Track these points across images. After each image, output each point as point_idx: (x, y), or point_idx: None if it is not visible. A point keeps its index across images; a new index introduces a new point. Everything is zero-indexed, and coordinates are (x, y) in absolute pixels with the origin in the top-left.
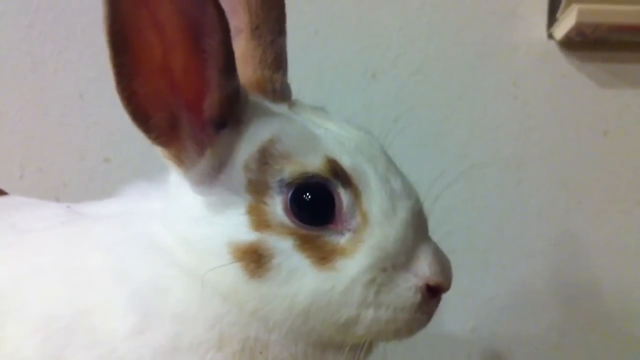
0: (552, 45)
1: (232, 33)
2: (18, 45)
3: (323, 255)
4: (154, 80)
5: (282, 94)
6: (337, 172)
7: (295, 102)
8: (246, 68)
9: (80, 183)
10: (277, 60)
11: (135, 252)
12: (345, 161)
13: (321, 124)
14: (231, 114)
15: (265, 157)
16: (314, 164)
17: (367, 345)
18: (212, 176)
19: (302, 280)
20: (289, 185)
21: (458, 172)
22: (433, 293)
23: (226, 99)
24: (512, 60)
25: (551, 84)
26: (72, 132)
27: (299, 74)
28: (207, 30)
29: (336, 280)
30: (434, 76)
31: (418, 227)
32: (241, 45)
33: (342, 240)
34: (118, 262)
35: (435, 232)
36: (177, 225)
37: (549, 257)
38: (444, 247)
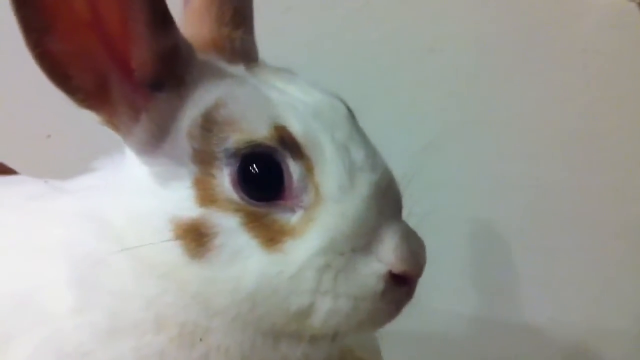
0: (632, 8)
1: None
2: None
3: (271, 236)
4: (69, 35)
5: (243, 54)
6: (286, 141)
7: (256, 63)
8: (202, 25)
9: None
10: (236, 17)
11: (82, 226)
12: (296, 128)
13: (280, 86)
14: (169, 75)
15: (210, 123)
16: (260, 131)
17: (332, 337)
18: (153, 144)
19: (246, 263)
20: (234, 155)
21: (523, 150)
22: (400, 281)
23: (159, 57)
24: (581, 25)
25: (627, 51)
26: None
27: (349, 47)
28: None
29: (284, 264)
30: (493, 47)
31: (383, 204)
32: (197, 0)
33: (293, 218)
34: (65, 236)
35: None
36: (122, 197)
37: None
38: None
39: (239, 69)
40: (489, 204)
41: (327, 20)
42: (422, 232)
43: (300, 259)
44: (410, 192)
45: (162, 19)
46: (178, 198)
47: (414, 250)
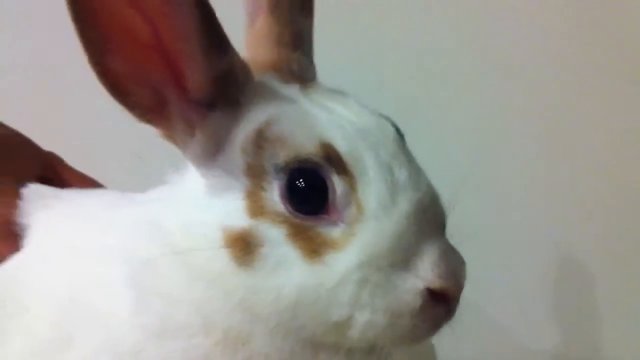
0: None
1: (252, 11)
2: None
3: (314, 248)
4: (129, 55)
5: (299, 74)
6: (332, 158)
7: (311, 84)
8: (263, 47)
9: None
10: (295, 40)
11: (141, 233)
12: (342, 146)
13: (331, 106)
14: (224, 95)
15: (261, 140)
16: (307, 147)
17: (371, 350)
18: (208, 158)
19: (289, 273)
20: (283, 170)
21: (612, 178)
22: (439, 299)
23: (214, 80)
24: None
25: None
26: None
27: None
28: (185, 6)
29: (325, 276)
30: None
31: (424, 222)
32: (260, 23)
33: (335, 232)
34: (125, 243)
35: None
36: (180, 207)
37: None
38: None
39: (292, 89)
40: (576, 238)
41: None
42: (500, 266)
43: (340, 272)
44: (491, 224)
45: (218, 45)
46: (230, 209)
47: (453, 267)
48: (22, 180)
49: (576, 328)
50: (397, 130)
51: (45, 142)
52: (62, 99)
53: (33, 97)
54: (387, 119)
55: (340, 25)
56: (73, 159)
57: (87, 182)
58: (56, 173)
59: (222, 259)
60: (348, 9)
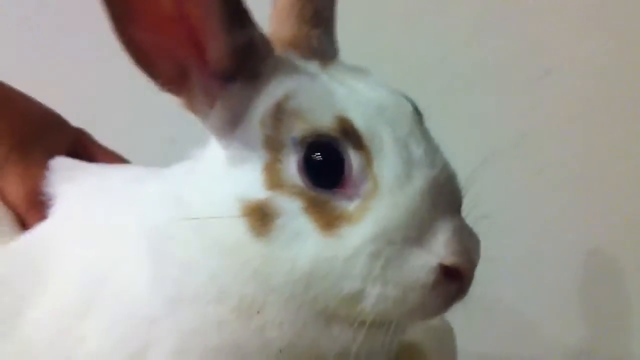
0: None
1: None
2: None
3: (329, 221)
4: (153, 26)
5: (319, 51)
6: (348, 132)
7: (331, 61)
8: (284, 23)
9: None
10: (316, 16)
11: (162, 204)
12: (359, 121)
13: (350, 83)
14: (244, 68)
15: (280, 113)
16: (324, 122)
17: (385, 325)
18: (227, 130)
19: (304, 244)
20: (300, 144)
21: None
22: (451, 275)
23: (234, 52)
24: None
25: None
26: None
27: (470, 66)
28: None
29: (339, 248)
30: (614, 71)
31: (439, 199)
32: (282, 0)
33: (351, 206)
34: (146, 213)
35: None
36: (200, 178)
37: None
38: None
39: (312, 66)
40: (606, 233)
41: (441, 41)
42: (532, 259)
43: (354, 244)
44: (524, 216)
45: (238, 17)
46: (248, 180)
47: (467, 245)
48: (52, 154)
49: (605, 324)
50: (416, 108)
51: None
52: (96, 82)
53: (68, 77)
54: (406, 97)
55: None
56: (107, 142)
57: (114, 158)
58: (85, 148)
59: (238, 229)
60: None
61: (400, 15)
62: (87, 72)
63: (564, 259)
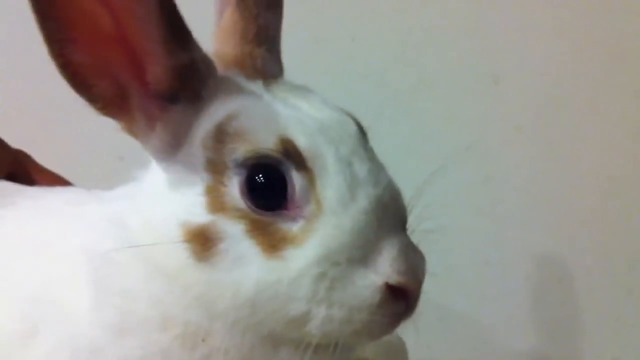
0: None
1: (220, 7)
2: None
3: (273, 243)
4: (90, 48)
5: (263, 71)
6: (291, 153)
7: (275, 80)
8: (228, 43)
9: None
10: (260, 35)
11: (103, 230)
12: (301, 141)
13: (293, 102)
14: (185, 89)
15: (222, 134)
16: (266, 143)
17: (333, 347)
18: (169, 152)
19: (248, 269)
20: (243, 165)
21: (593, 185)
22: (398, 294)
23: (174, 73)
24: None
25: None
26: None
27: (415, 77)
28: None
29: (283, 271)
30: (562, 79)
31: (384, 218)
32: (226, 18)
33: (295, 227)
34: (86, 239)
35: None
36: (142, 203)
37: None
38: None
39: (256, 85)
40: (554, 239)
41: (390, 50)
42: (482, 268)
43: (298, 267)
44: (472, 226)
45: (179, 38)
46: (190, 204)
47: (412, 263)
48: None
49: (556, 329)
50: (360, 127)
51: (25, 143)
52: (42, 98)
53: (9, 93)
54: (350, 115)
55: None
56: (53, 161)
57: (55, 180)
58: (25, 170)
59: (181, 254)
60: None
61: (345, 27)
62: (29, 88)
63: (513, 266)
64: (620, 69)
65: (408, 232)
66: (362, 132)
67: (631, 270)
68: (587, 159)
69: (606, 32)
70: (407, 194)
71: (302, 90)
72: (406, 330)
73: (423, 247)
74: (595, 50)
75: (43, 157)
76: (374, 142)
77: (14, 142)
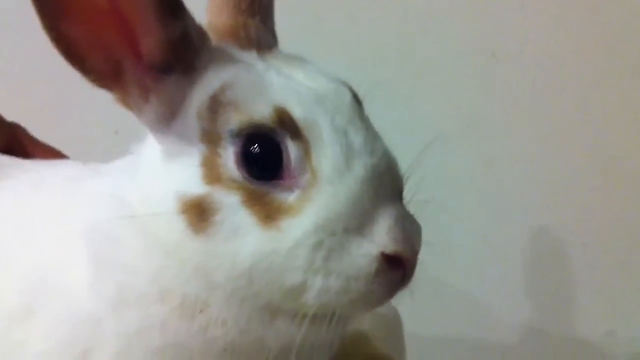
0: None
1: None
2: None
3: (269, 214)
4: (83, 20)
5: (257, 41)
6: (286, 122)
7: (269, 50)
8: (221, 13)
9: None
10: (253, 6)
11: (102, 205)
12: (297, 111)
13: (288, 72)
14: (178, 60)
15: (216, 105)
16: (261, 113)
17: (329, 318)
18: (163, 124)
19: (244, 239)
20: (238, 135)
21: (591, 161)
22: (394, 264)
23: (168, 44)
24: None
25: None
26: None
27: (417, 55)
28: None
29: (279, 241)
30: (562, 57)
31: (380, 188)
32: None
33: (291, 197)
34: (86, 215)
35: None
36: (139, 176)
37: None
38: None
39: (250, 55)
40: (550, 215)
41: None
42: (477, 239)
43: (294, 237)
44: (470, 202)
45: (172, 8)
46: (186, 175)
47: (408, 232)
48: None
49: (551, 303)
50: (355, 96)
51: (20, 117)
52: (37, 73)
53: (4, 68)
54: (346, 84)
55: None
56: (48, 135)
57: (50, 153)
58: (20, 144)
59: (178, 226)
60: None
61: (344, 5)
62: (24, 63)
63: (509, 240)
64: (620, 47)
65: (405, 202)
66: (357, 102)
67: (626, 246)
68: (585, 137)
69: (605, 9)
70: (404, 167)
71: (297, 60)
72: (402, 304)
73: (419, 220)
74: (595, 28)
75: (38, 131)
76: (373, 119)
77: (9, 116)
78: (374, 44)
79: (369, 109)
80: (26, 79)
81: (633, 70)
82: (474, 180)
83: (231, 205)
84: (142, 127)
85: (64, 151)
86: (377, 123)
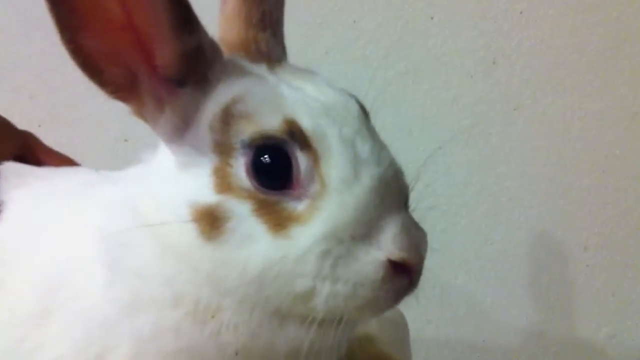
0: None
1: None
2: None
3: (279, 222)
4: (101, 34)
5: (267, 54)
6: (295, 133)
7: (279, 64)
8: (233, 27)
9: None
10: (264, 20)
11: (116, 211)
12: (306, 122)
13: (297, 85)
14: (192, 73)
15: (228, 117)
16: (271, 124)
17: (339, 323)
18: (177, 135)
19: (255, 247)
20: (249, 146)
21: (590, 163)
22: (400, 270)
23: (182, 57)
24: None
25: None
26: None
27: (414, 60)
28: None
29: (289, 249)
30: (559, 59)
31: (386, 196)
32: (230, 4)
33: (300, 206)
34: (101, 221)
35: None
36: (152, 184)
37: None
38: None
39: (260, 68)
40: (551, 217)
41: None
42: (481, 246)
43: (303, 244)
44: (472, 205)
45: (186, 23)
46: (198, 185)
47: (414, 239)
48: None
49: (554, 306)
50: (362, 107)
51: (32, 126)
52: (49, 82)
53: (17, 77)
54: (353, 96)
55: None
56: (60, 143)
57: (62, 160)
58: (32, 152)
59: (190, 234)
60: None
61: (347, 10)
62: (37, 72)
63: (512, 244)
64: (616, 49)
65: (410, 210)
66: (364, 113)
67: (627, 247)
68: (584, 138)
69: (605, 15)
70: (409, 174)
71: (306, 72)
72: (408, 307)
73: (425, 226)
74: (592, 30)
75: (49, 139)
76: (375, 123)
77: (21, 125)
78: (375, 50)
79: (373, 116)
80: (37, 88)
81: (632, 73)
82: (475, 183)
83: (242, 213)
84: (152, 134)
85: (75, 159)
86: (379, 128)
